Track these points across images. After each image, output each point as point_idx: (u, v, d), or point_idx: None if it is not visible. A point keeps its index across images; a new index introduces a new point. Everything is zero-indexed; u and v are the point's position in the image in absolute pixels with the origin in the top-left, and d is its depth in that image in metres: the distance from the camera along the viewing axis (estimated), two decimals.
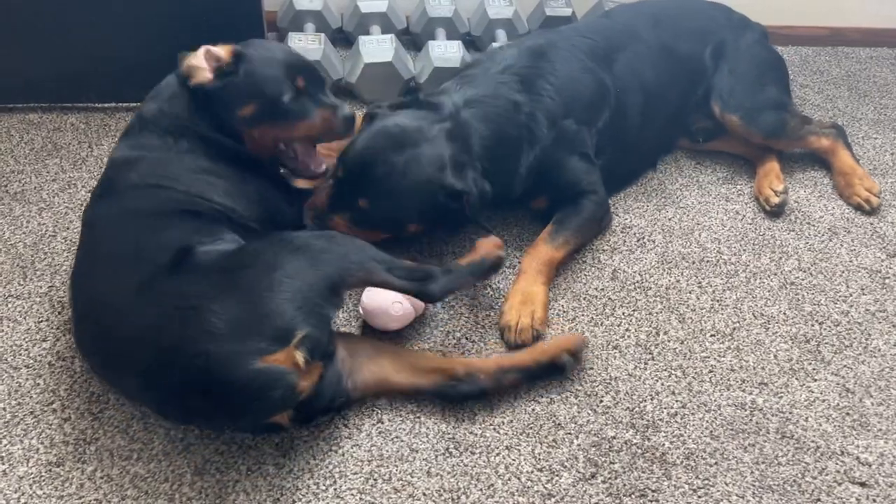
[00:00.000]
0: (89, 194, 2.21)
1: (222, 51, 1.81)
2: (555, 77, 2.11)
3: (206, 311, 1.46)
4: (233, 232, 1.69)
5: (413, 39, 2.91)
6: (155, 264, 1.54)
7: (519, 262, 2.01)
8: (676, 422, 1.72)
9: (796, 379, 1.83)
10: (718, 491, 1.60)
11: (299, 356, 1.47)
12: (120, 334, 1.52)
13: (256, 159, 1.87)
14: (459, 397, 1.69)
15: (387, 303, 1.80)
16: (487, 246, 1.86)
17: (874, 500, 1.61)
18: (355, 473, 1.60)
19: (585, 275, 2.06)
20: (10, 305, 1.91)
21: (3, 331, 1.85)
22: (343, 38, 2.90)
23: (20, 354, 1.79)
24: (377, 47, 2.63)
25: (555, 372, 1.75)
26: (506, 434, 1.68)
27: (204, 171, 1.76)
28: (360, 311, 1.86)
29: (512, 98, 2.05)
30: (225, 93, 1.80)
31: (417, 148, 1.88)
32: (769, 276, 2.09)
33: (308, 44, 2.62)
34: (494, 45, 2.72)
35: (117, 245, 1.62)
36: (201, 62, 1.80)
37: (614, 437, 1.68)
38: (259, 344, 1.45)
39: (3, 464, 1.59)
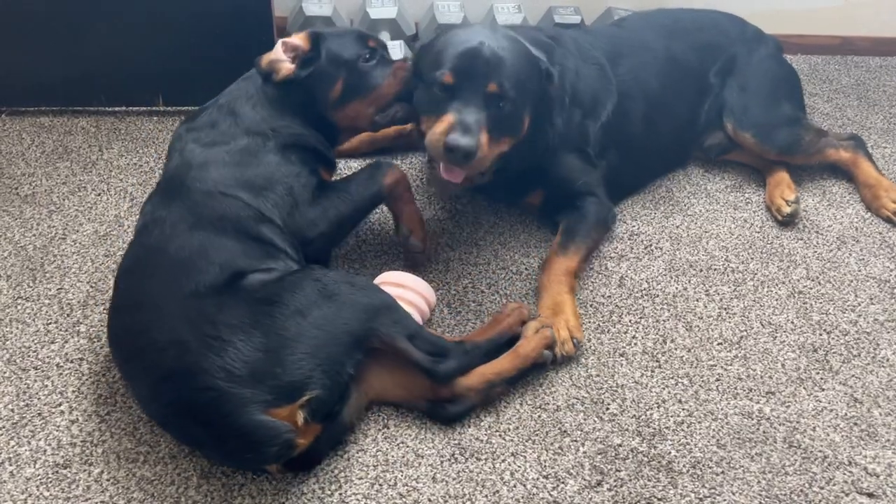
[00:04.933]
0: (98, 197, 2.24)
1: (298, 39, 1.83)
2: (564, 61, 2.10)
3: (230, 346, 1.47)
4: (285, 252, 1.69)
5: None
6: (209, 280, 1.55)
7: (537, 280, 2.00)
8: (683, 430, 1.72)
9: (804, 388, 1.82)
10: (725, 500, 1.59)
11: (300, 416, 1.48)
12: (152, 336, 1.52)
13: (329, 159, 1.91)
14: (450, 418, 1.69)
15: None
16: (510, 320, 1.82)
17: None
18: (360, 478, 1.60)
19: (592, 282, 2.06)
20: (19, 307, 1.92)
21: (11, 332, 1.86)
22: None
23: (28, 356, 1.80)
24: None
25: (536, 369, 1.78)
26: (511, 441, 1.67)
27: (272, 180, 1.75)
28: None
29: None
30: (313, 79, 1.82)
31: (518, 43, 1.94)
32: (777, 285, 2.08)
33: None
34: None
35: (177, 247, 1.61)
36: (281, 56, 1.81)
37: (620, 445, 1.68)
38: (267, 395, 1.46)
39: (11, 465, 1.60)
